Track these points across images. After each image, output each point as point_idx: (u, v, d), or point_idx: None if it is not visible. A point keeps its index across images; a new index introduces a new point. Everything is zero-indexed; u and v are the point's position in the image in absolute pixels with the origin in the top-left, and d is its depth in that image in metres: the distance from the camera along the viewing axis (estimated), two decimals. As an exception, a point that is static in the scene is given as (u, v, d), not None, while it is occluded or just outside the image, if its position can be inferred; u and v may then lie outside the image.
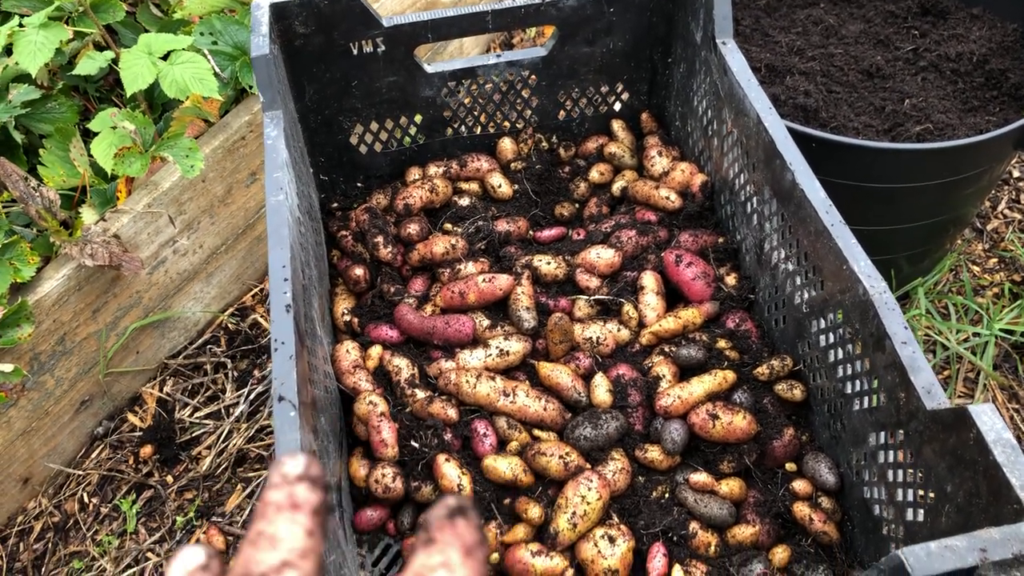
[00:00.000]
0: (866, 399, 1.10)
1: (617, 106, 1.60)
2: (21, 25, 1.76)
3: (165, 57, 1.79)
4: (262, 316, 2.07)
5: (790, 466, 1.23)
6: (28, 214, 1.76)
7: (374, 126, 1.51)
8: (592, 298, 1.38)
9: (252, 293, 2.12)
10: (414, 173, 1.56)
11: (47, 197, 1.75)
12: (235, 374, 1.98)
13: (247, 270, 2.10)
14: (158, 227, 1.83)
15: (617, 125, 1.59)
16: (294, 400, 0.98)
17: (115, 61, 1.90)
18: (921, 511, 1.00)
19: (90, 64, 1.83)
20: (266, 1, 1.30)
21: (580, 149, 1.60)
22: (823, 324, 1.19)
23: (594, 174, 1.55)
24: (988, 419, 0.88)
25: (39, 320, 1.66)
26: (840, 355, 1.15)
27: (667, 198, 1.46)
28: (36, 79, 1.93)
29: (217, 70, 1.85)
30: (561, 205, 1.55)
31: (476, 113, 1.55)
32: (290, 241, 1.12)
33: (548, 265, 1.40)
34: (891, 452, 1.06)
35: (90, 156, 1.90)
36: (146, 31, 2.02)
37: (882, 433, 1.07)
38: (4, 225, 1.65)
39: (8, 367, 1.57)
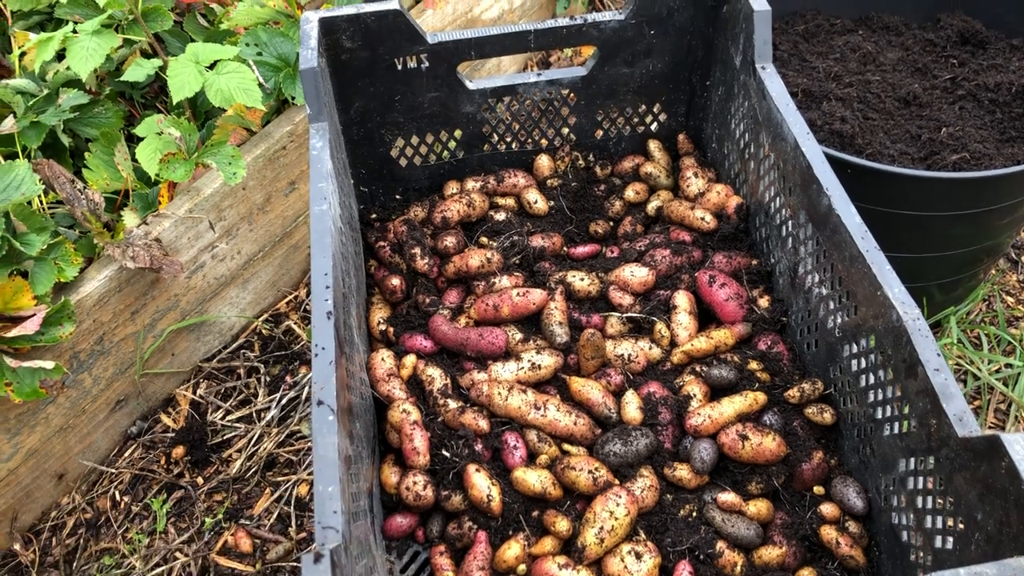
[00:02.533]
0: (897, 425, 1.11)
1: (654, 127, 1.62)
2: (74, 31, 1.81)
3: (211, 66, 1.83)
4: (296, 323, 2.11)
5: (818, 489, 1.24)
6: (73, 216, 1.80)
7: (415, 140, 1.54)
8: (625, 315, 1.39)
9: (287, 300, 2.16)
10: (452, 187, 1.58)
11: (92, 200, 1.79)
12: (267, 379, 2.01)
13: (282, 277, 2.13)
14: (198, 232, 1.87)
15: (654, 145, 1.60)
16: (332, 405, 1.00)
17: (162, 69, 1.95)
18: (951, 539, 1.00)
19: (138, 71, 1.88)
20: (315, 15, 1.34)
21: (616, 168, 1.62)
22: (855, 349, 1.20)
23: (629, 193, 1.57)
24: (1021, 448, 0.89)
25: (80, 319, 1.70)
26: (871, 380, 1.16)
27: (702, 219, 1.47)
28: (85, 84, 1.98)
29: (261, 80, 1.89)
30: (596, 223, 1.56)
31: (515, 130, 1.57)
32: (332, 250, 1.15)
33: (582, 281, 1.42)
34: (921, 479, 1.06)
35: (134, 161, 1.94)
36: (192, 40, 2.07)
37: (912, 459, 1.08)
38: (50, 226, 1.69)
39: (49, 364, 1.61)
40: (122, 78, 1.89)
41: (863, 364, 1.18)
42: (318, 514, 0.92)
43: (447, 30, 2.21)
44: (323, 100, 1.27)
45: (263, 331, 2.10)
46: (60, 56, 1.97)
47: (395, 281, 1.46)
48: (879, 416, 1.14)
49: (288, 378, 2.01)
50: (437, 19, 2.26)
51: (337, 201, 1.26)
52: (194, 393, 1.99)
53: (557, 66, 2.65)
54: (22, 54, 2.02)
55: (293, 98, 1.96)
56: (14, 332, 1.58)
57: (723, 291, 1.37)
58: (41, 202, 1.83)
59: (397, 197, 1.59)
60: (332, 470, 0.96)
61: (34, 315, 1.62)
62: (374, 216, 1.58)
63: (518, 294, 1.37)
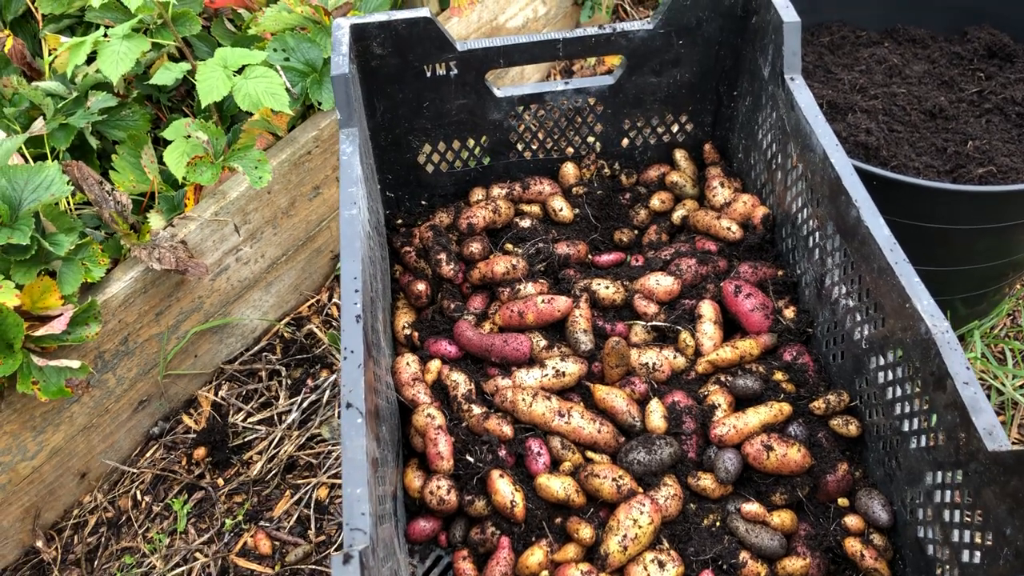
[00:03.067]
0: (924, 438, 1.10)
1: (680, 136, 1.62)
2: (105, 36, 1.83)
3: (239, 71, 1.85)
4: (317, 327, 2.12)
5: (843, 501, 1.23)
6: (101, 217, 1.82)
7: (442, 146, 1.55)
8: (650, 324, 1.39)
9: (309, 304, 2.17)
10: (478, 194, 1.59)
11: (120, 201, 1.81)
12: (289, 382, 2.02)
13: (305, 281, 2.14)
14: (223, 235, 1.88)
15: (680, 155, 1.61)
16: (361, 408, 1.01)
17: (190, 73, 1.97)
18: (978, 553, 1.00)
19: (166, 75, 1.89)
20: (347, 22, 1.35)
21: (642, 177, 1.62)
22: (882, 361, 1.19)
23: (655, 202, 1.57)
24: (1053, 463, 0.88)
25: (105, 320, 1.71)
26: (898, 393, 1.15)
27: (728, 229, 1.47)
28: (114, 87, 2.00)
29: (288, 86, 1.90)
30: (621, 231, 1.57)
31: (541, 137, 1.58)
32: (361, 254, 1.16)
33: (607, 289, 1.42)
34: (948, 492, 1.05)
35: (160, 163, 1.96)
36: (219, 45, 2.09)
37: (939, 473, 1.07)
38: (78, 226, 1.71)
39: (75, 363, 1.62)
40: (150, 81, 1.91)
41: (890, 376, 1.17)
42: (347, 516, 0.93)
43: (473, 38, 2.22)
44: (353, 106, 1.28)
45: (285, 334, 2.11)
46: (89, 59, 1.99)
47: (420, 286, 1.46)
48: (906, 429, 1.14)
49: (309, 381, 2.02)
50: (462, 27, 2.28)
51: (366, 206, 1.27)
52: (216, 395, 2.00)
53: (580, 75, 2.66)
54: (52, 57, 2.05)
55: (319, 103, 1.98)
56: (42, 331, 1.60)
57: (749, 301, 1.37)
58: (69, 203, 1.85)
59: (423, 203, 1.60)
60: (360, 472, 0.96)
61: (61, 315, 1.64)
62: (400, 221, 1.59)
63: (543, 301, 1.38)
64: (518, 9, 2.39)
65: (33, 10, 2.14)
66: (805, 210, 1.36)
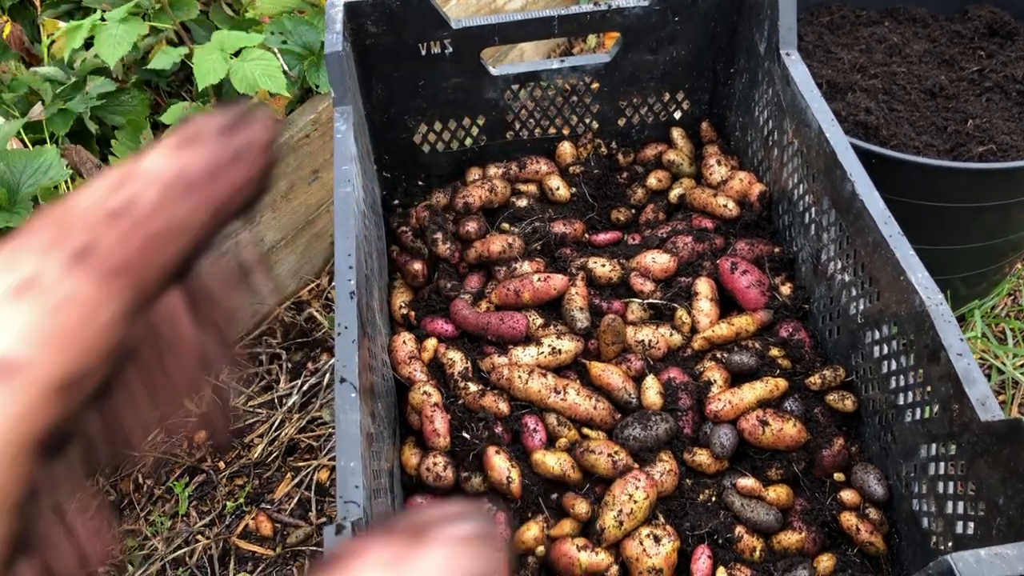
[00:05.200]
0: (918, 411, 1.10)
1: (677, 114, 1.62)
2: (102, 19, 1.84)
3: (236, 54, 1.85)
4: (318, 311, 2.12)
5: (838, 476, 1.23)
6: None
7: (437, 126, 1.55)
8: (646, 302, 1.39)
9: (309, 288, 2.17)
10: (474, 173, 1.59)
11: (119, 185, 1.81)
12: (289, 366, 2.02)
13: (305, 265, 2.15)
14: (222, 218, 1.88)
15: (677, 133, 1.60)
16: (355, 383, 1.01)
17: (188, 57, 1.97)
18: (971, 524, 1.00)
19: (164, 59, 1.90)
20: (340, 0, 1.35)
21: (639, 155, 1.62)
22: (877, 335, 1.19)
23: (652, 180, 1.57)
24: (1045, 431, 0.88)
25: (106, 303, 1.71)
26: (893, 366, 1.15)
27: (725, 206, 1.47)
28: (112, 72, 2.00)
29: (286, 68, 1.90)
30: (618, 210, 1.56)
31: (537, 116, 1.57)
32: (355, 232, 1.16)
33: (603, 268, 1.42)
34: (942, 464, 1.05)
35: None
36: (217, 29, 2.09)
37: (933, 445, 1.07)
38: (77, 210, 1.71)
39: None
40: (148, 66, 1.91)
41: (885, 350, 1.17)
42: (340, 488, 0.93)
43: (471, 17, 2.21)
44: (348, 84, 1.28)
45: (285, 318, 2.11)
46: (87, 45, 2.00)
47: (417, 266, 1.47)
48: (901, 402, 1.14)
49: (310, 365, 2.03)
50: (461, 8, 2.27)
51: (360, 184, 1.27)
52: (216, 378, 2.01)
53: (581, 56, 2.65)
54: (51, 42, 2.05)
55: (317, 87, 1.98)
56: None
57: (745, 278, 1.36)
58: (68, 187, 1.85)
59: (419, 183, 1.60)
60: (354, 446, 0.97)
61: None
62: (396, 202, 1.59)
63: (539, 279, 1.38)
64: (516, -9, 2.39)
65: (31, -5, 2.14)
66: (801, 186, 1.36)
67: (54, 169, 1.67)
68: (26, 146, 1.86)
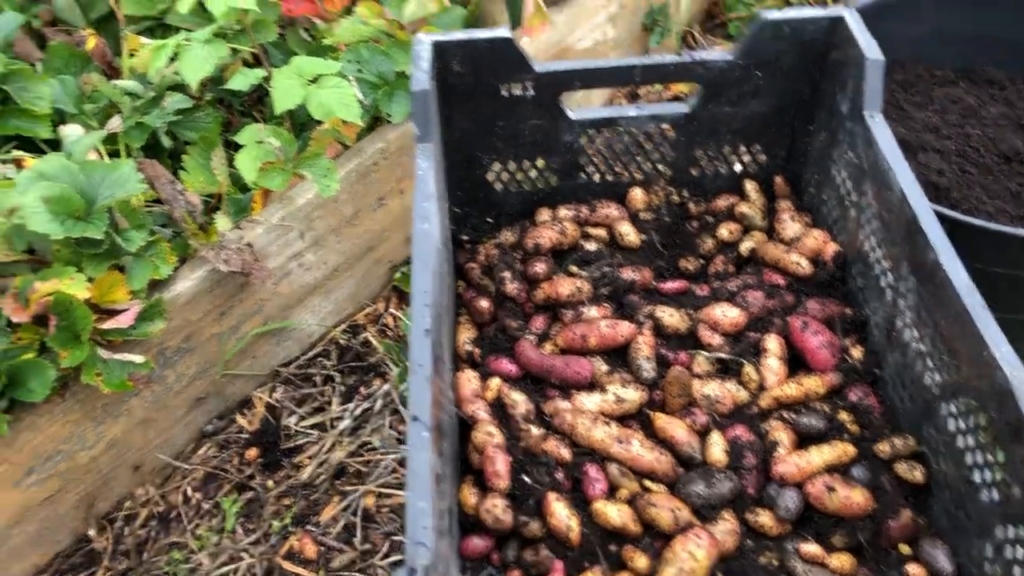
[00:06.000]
0: (995, 491, 1.08)
1: (752, 167, 1.61)
2: (187, 40, 1.88)
3: (313, 80, 1.88)
4: (373, 335, 2.13)
5: (905, 548, 1.21)
6: (171, 216, 1.85)
7: (512, 165, 1.55)
8: (713, 355, 1.38)
9: (365, 312, 2.19)
10: (544, 214, 1.59)
11: (191, 202, 1.84)
12: (342, 388, 2.04)
13: (363, 289, 2.16)
14: (288, 240, 1.91)
15: (750, 186, 1.60)
16: (427, 422, 1.01)
17: (265, 79, 2.00)
18: (1050, 613, 0.97)
19: (242, 80, 1.93)
20: (428, 38, 1.36)
21: (710, 206, 1.61)
22: (953, 408, 1.17)
23: (723, 232, 1.56)
24: None
25: (169, 317, 1.74)
26: (970, 442, 1.13)
27: (797, 263, 1.46)
28: (190, 89, 2.04)
29: (360, 97, 1.93)
30: (687, 259, 1.56)
31: (610, 160, 1.58)
32: (433, 269, 1.16)
33: (671, 317, 1.41)
34: (1021, 548, 1.03)
35: (230, 166, 2.00)
36: (294, 53, 2.13)
37: (1011, 528, 1.05)
38: (148, 223, 1.74)
39: (140, 359, 1.65)
40: (226, 86, 1.95)
41: (962, 425, 1.15)
42: (410, 529, 0.93)
43: (542, 58, 2.22)
44: (431, 122, 1.29)
45: (340, 341, 2.13)
46: (171, 61, 2.04)
47: (484, 303, 1.47)
48: (977, 480, 1.11)
49: (362, 389, 2.04)
50: (532, 47, 2.29)
51: (437, 221, 1.28)
52: (270, 397, 2.03)
53: (646, 99, 2.66)
54: (132, 57, 2.10)
55: (388, 116, 2.00)
56: (110, 324, 1.63)
57: (816, 338, 1.35)
58: (139, 200, 1.89)
59: (489, 220, 1.61)
60: (424, 486, 0.97)
61: (128, 309, 1.68)
62: (465, 237, 1.60)
63: (606, 325, 1.37)
64: (587, 31, 2.40)
65: (116, 11, 2.20)
66: (879, 250, 1.34)
67: (130, 183, 1.70)
68: (102, 157, 1.90)
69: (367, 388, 2.04)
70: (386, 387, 2.03)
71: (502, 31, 1.34)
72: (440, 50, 1.37)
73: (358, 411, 1.98)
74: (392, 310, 2.20)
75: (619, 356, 1.40)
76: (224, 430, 1.99)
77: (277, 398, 2.03)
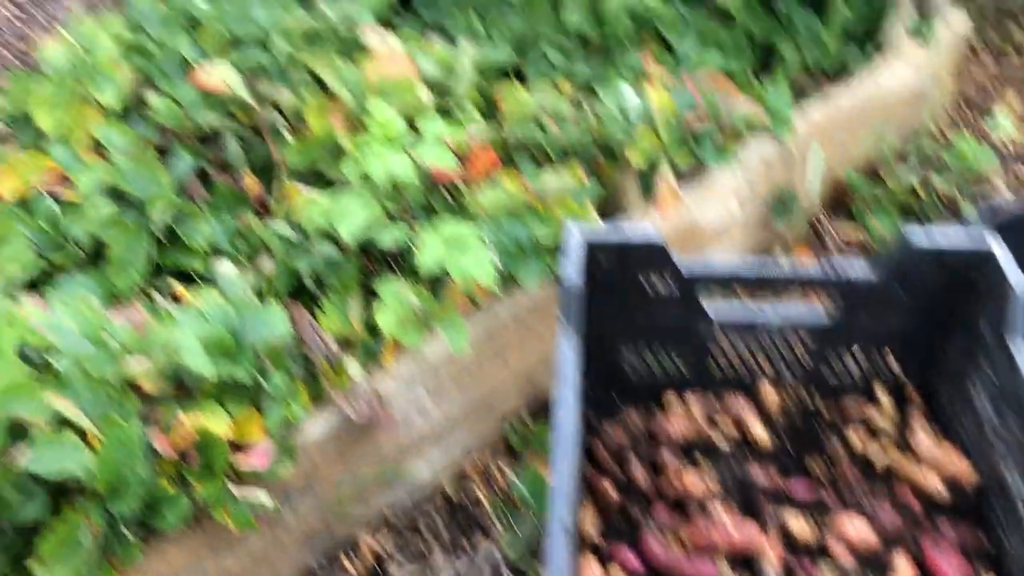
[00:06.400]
0: None
1: (885, 376, 1.62)
2: (343, 198, 2.02)
3: (453, 241, 1.99)
4: (480, 489, 2.16)
5: None
6: (308, 358, 1.95)
7: (646, 352, 1.60)
8: (842, 572, 1.36)
9: (475, 466, 2.23)
10: (673, 402, 1.63)
11: (330, 348, 1.94)
12: (447, 539, 2.06)
13: (476, 441, 2.21)
14: (414, 391, 1.98)
15: (883, 397, 1.60)
16: (565, 627, 1.03)
17: (409, 237, 2.12)
18: None
19: (389, 236, 2.05)
20: (579, 231, 1.44)
21: (841, 410, 1.62)
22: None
23: (854, 439, 1.56)
24: None
25: (298, 459, 1.81)
26: None
27: (931, 484, 1.44)
28: (339, 241, 2.17)
29: (496, 262, 2.02)
30: (815, 461, 1.56)
31: (744, 357, 1.61)
32: (571, 458, 1.20)
33: (799, 524, 1.41)
34: None
35: (365, 315, 2.10)
36: (435, 212, 2.25)
37: None
38: (290, 367, 1.84)
39: (269, 502, 1.72)
40: (374, 239, 2.07)
41: None
42: None
43: (670, 235, 2.29)
44: (578, 314, 1.36)
45: (448, 491, 2.17)
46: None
47: (608, 487, 1.49)
48: None
49: (466, 544, 2.06)
50: (661, 223, 2.37)
51: (575, 410, 1.32)
52: (375, 540, 2.06)
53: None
54: (288, 203, 2.25)
55: (519, 280, 2.09)
56: (246, 464, 1.71)
57: (949, 566, 1.33)
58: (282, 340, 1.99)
59: (617, 403, 1.65)
60: None
61: (260, 447, 1.75)
62: (591, 415, 1.64)
63: (733, 527, 1.38)
64: (714, 209, 2.47)
65: (278, 160, 2.37)
66: (1021, 483, 1.32)
67: (279, 327, 1.81)
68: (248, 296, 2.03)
69: (470, 543, 2.06)
70: (489, 545, 2.04)
71: (655, 236, 1.41)
72: (590, 245, 1.44)
73: (462, 571, 1.99)
74: (501, 464, 2.24)
75: (745, 559, 1.40)
76: (329, 566, 2.02)
77: (383, 543, 2.06)
